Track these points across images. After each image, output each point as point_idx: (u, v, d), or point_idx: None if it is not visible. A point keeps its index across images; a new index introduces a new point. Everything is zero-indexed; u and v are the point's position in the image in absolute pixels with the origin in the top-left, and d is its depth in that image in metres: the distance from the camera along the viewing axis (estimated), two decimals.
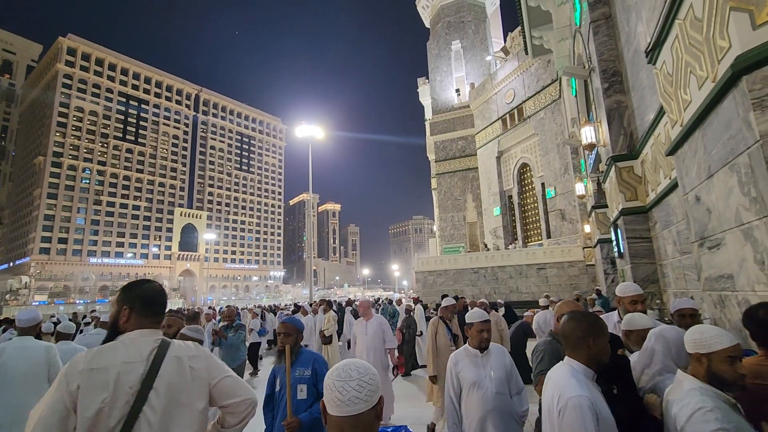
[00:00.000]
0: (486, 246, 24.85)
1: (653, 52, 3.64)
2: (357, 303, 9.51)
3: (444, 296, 5.61)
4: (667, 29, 3.25)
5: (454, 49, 33.24)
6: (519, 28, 27.10)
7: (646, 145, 5.65)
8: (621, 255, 6.68)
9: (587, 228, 17.19)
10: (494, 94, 27.01)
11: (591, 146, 7.55)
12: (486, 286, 21.21)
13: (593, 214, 10.49)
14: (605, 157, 7.28)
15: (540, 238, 24.19)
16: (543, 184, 23.49)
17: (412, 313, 9.70)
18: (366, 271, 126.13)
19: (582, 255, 18.74)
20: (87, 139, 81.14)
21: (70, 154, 78.16)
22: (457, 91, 32.54)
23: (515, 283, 20.37)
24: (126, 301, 1.59)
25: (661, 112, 4.68)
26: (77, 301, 66.39)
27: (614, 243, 7.02)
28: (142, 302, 1.60)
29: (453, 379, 2.78)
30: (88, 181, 79.97)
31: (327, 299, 10.83)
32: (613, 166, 6.46)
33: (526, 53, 14.66)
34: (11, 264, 79.09)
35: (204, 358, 1.62)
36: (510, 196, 26.62)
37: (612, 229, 7.13)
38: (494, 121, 26.95)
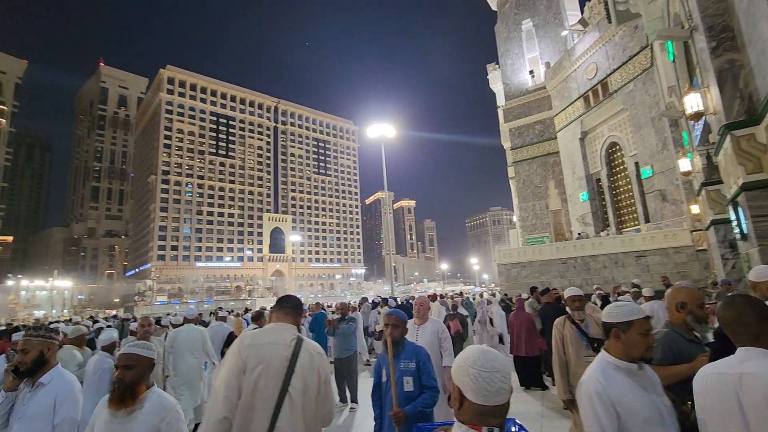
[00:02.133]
0: (579, 234, 23.11)
1: None
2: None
3: (534, 288, 5.24)
4: None
5: (525, 28, 31.45)
6: None
7: None
8: (744, 237, 5.82)
9: (695, 208, 15.20)
10: (573, 71, 25.03)
11: (697, 115, 6.65)
12: (576, 277, 19.83)
13: (703, 192, 9.25)
14: (716, 127, 6.38)
15: (636, 223, 21.94)
16: (637, 164, 21.24)
17: (458, 310, 8.87)
18: (444, 266, 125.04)
19: (690, 239, 16.66)
20: (187, 156, 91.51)
21: (175, 171, 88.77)
22: (531, 72, 30.76)
23: (610, 273, 18.76)
24: (275, 303, 2.28)
25: None
26: (189, 301, 75.21)
27: (734, 223, 6.14)
28: (280, 303, 2.26)
29: (604, 414, 1.60)
30: (190, 194, 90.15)
31: (383, 297, 11.50)
32: (728, 136, 5.64)
33: (609, 21, 13.40)
34: (137, 270, 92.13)
35: (326, 362, 2.17)
36: (598, 180, 24.50)
37: (730, 208, 6.24)
38: (575, 100, 24.98)
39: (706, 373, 1.54)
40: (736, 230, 6.24)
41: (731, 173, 6.04)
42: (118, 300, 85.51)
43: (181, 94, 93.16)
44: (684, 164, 10.83)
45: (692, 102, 6.63)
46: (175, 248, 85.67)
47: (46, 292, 66.01)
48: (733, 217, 6.26)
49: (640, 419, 1.58)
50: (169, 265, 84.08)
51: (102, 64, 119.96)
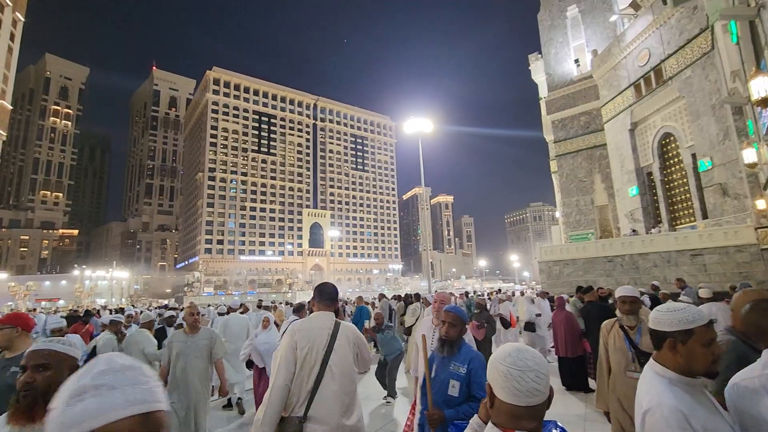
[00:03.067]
0: (634, 231, 21.90)
1: None
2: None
3: (580, 287, 4.95)
4: None
5: (570, 15, 30.05)
6: None
7: None
8: None
9: (761, 204, 13.99)
10: (623, 58, 23.64)
11: (765, 101, 6.08)
12: (623, 277, 18.84)
13: None
14: None
15: (692, 219, 20.48)
16: (694, 155, 19.79)
17: (485, 310, 7.96)
18: (483, 263, 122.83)
19: (755, 237, 15.34)
20: (232, 154, 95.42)
21: (220, 169, 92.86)
22: (576, 61, 29.39)
23: (661, 273, 17.64)
24: (314, 294, 2.75)
25: None
26: (234, 293, 78.62)
27: None
28: (320, 293, 2.72)
29: None
30: (234, 191, 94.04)
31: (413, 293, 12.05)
32: None
33: (665, 3, 12.52)
34: (186, 262, 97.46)
35: (360, 338, 2.68)
36: (649, 173, 23.07)
37: None
38: (625, 89, 23.60)
39: (732, 384, 1.48)
40: None
41: None
42: (169, 290, 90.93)
43: (226, 94, 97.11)
44: (749, 155, 9.94)
45: (759, 86, 6.06)
46: (220, 242, 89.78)
47: (107, 282, 71.29)
48: None
49: None
50: (215, 258, 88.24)
51: (155, 67, 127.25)
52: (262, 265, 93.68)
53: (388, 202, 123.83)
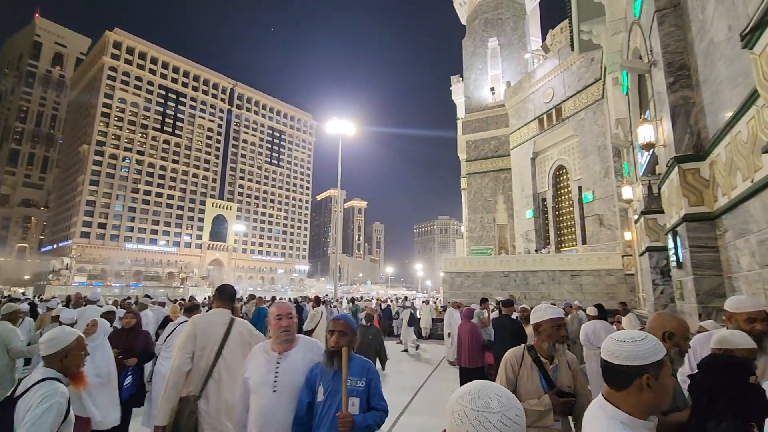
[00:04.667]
0: (537, 251, 24.04)
1: (752, 35, 3.19)
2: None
3: (484, 299, 4.97)
4: None
5: (491, 46, 32.46)
6: (561, 24, 26.18)
7: (718, 145, 5.11)
8: (680, 265, 6.13)
9: (628, 235, 16.30)
10: (531, 93, 26.14)
11: (649, 146, 6.97)
12: (516, 291, 20.54)
13: (641, 220, 9.83)
14: (665, 159, 6.72)
15: (574, 243, 23.27)
16: (580, 188, 22.57)
17: (372, 323, 7.41)
18: (389, 270, 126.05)
19: (621, 263, 17.86)
20: (128, 129, 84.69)
21: (111, 144, 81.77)
22: (492, 89, 31.77)
23: (547, 289, 19.65)
24: (215, 293, 3.17)
25: (744, 107, 4.18)
26: (113, 284, 69.33)
27: (672, 252, 6.47)
28: (220, 293, 3.14)
29: None
30: (127, 170, 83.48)
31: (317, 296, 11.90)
32: (676, 168, 5.93)
33: (572, 49, 13.99)
34: (55, 246, 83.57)
35: (252, 333, 3.04)
36: (544, 199, 25.74)
37: (670, 237, 6.57)
38: (530, 121, 26.10)
39: None
40: (672, 258, 6.58)
41: (674, 204, 6.36)
42: (28, 277, 76.94)
43: (128, 62, 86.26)
44: (627, 192, 11.47)
45: (645, 133, 6.94)
46: (102, 226, 78.82)
47: None
48: (670, 245, 6.60)
49: None
50: (94, 243, 77.20)
51: (38, 15, 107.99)
52: (152, 256, 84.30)
53: (300, 201, 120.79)
